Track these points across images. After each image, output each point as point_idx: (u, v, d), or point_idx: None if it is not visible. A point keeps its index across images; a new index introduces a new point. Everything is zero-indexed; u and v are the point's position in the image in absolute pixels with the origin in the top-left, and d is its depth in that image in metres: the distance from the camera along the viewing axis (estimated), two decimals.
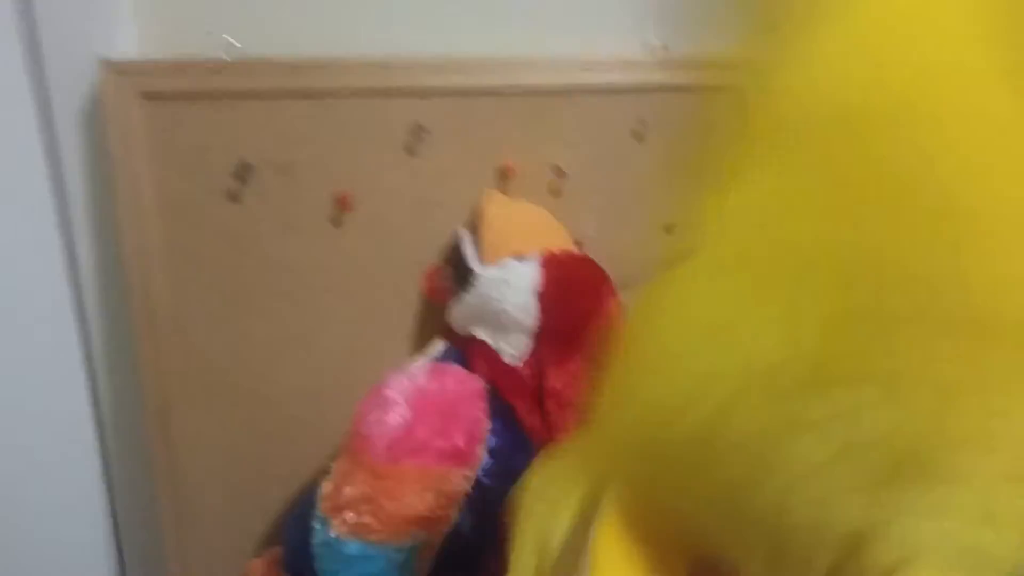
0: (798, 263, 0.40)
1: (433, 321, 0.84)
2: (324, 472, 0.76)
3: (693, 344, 0.43)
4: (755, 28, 0.47)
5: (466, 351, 0.77)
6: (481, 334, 0.76)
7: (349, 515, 0.67)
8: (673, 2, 0.89)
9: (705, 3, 0.91)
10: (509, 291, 0.74)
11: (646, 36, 0.89)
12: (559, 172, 0.87)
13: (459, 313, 0.79)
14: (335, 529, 0.68)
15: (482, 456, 0.70)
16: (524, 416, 0.72)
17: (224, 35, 0.79)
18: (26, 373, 0.80)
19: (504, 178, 0.85)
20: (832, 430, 0.38)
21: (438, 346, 0.81)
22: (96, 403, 0.85)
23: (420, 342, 0.85)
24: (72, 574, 0.89)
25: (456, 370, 0.73)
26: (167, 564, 0.86)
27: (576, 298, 0.74)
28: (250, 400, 0.84)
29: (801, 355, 0.38)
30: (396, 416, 0.69)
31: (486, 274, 0.76)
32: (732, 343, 0.40)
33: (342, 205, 0.82)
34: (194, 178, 0.79)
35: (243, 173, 0.80)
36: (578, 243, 0.86)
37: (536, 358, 0.73)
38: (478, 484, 0.70)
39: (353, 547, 0.67)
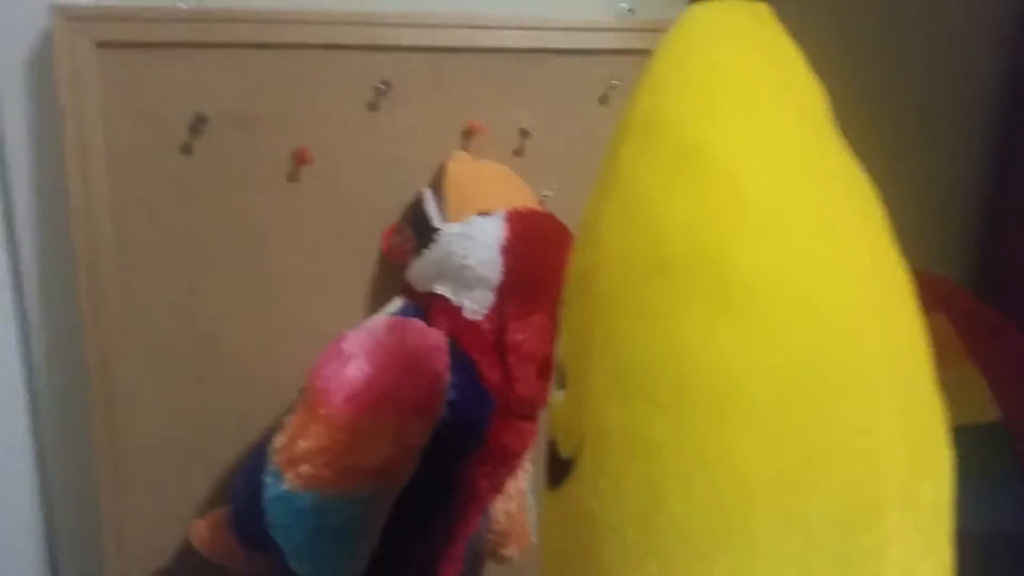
0: None
1: (392, 281, 0.82)
2: (274, 430, 0.74)
3: None
4: None
5: (426, 307, 0.75)
6: (442, 290, 0.74)
7: (304, 467, 0.65)
8: None
9: None
10: (473, 246, 0.72)
11: (615, 1, 0.88)
12: (524, 133, 0.86)
13: (420, 270, 0.77)
14: (288, 482, 0.65)
15: (442, 409, 0.69)
16: (485, 370, 0.71)
17: None
18: None
19: (468, 137, 0.84)
20: None
21: (397, 303, 0.79)
22: (29, 357, 0.81)
23: (378, 301, 0.83)
24: None
25: (416, 324, 0.72)
26: (100, 529, 0.82)
27: (540, 252, 0.72)
28: (197, 359, 0.81)
29: None
30: (354, 368, 0.67)
31: (449, 230, 0.75)
32: None
33: (299, 160, 0.80)
34: (146, 129, 0.77)
35: (198, 125, 0.77)
36: (540, 202, 0.85)
37: (498, 312, 0.71)
38: (436, 436, 0.69)
39: (307, 499, 0.64)
